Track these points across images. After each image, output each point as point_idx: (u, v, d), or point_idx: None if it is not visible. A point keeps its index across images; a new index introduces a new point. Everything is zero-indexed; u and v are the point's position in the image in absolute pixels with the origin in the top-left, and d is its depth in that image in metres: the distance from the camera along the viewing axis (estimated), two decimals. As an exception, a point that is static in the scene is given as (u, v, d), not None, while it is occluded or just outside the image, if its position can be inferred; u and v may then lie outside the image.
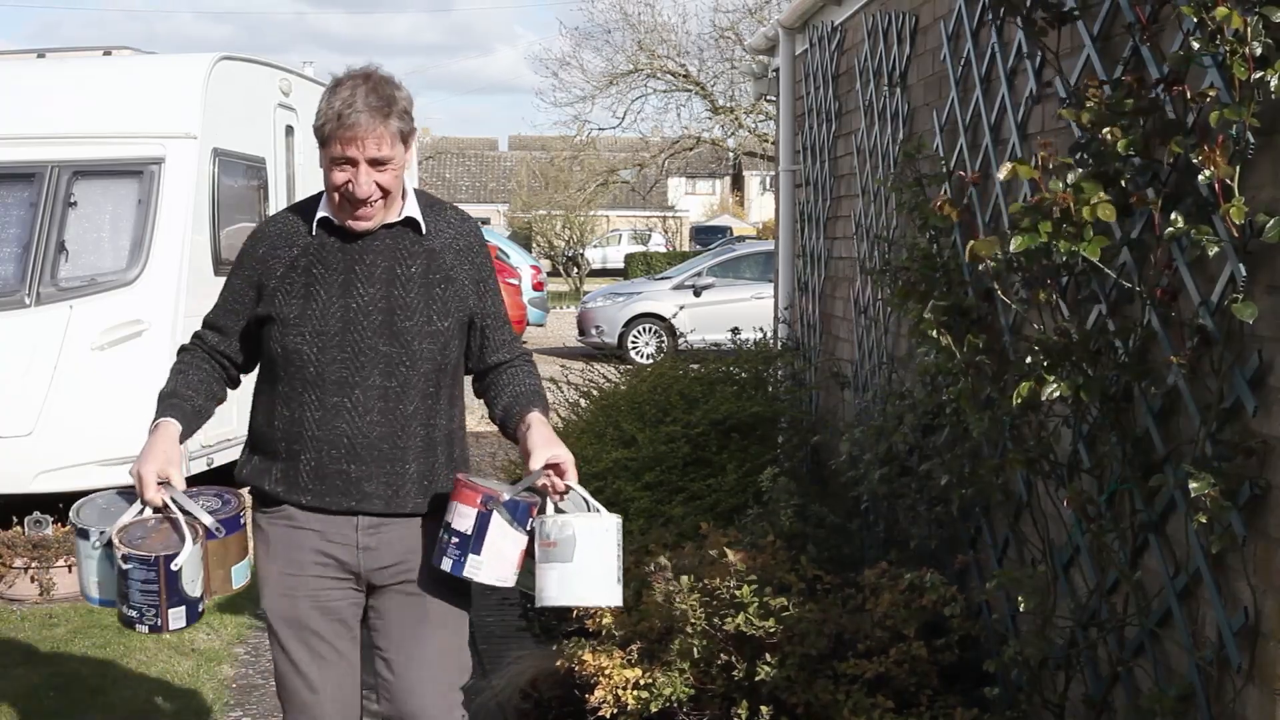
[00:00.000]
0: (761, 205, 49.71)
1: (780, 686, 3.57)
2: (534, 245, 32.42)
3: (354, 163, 2.72)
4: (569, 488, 2.75)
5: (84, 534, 2.75)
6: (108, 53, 8.78)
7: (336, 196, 2.78)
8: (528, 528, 2.71)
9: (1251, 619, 2.58)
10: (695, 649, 3.67)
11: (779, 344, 7.36)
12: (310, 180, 8.97)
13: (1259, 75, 2.43)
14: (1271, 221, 2.40)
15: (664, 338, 17.51)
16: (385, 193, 2.77)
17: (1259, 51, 2.43)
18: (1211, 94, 2.58)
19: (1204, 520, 2.56)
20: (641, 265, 35.59)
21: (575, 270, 31.43)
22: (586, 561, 2.66)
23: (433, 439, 2.89)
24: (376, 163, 2.73)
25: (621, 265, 38.72)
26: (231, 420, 7.52)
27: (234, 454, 7.79)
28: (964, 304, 3.51)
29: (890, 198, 4.97)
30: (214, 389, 2.98)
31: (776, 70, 7.82)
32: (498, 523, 2.69)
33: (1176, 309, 2.85)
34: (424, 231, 2.88)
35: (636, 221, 45.50)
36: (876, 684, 3.56)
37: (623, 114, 27.86)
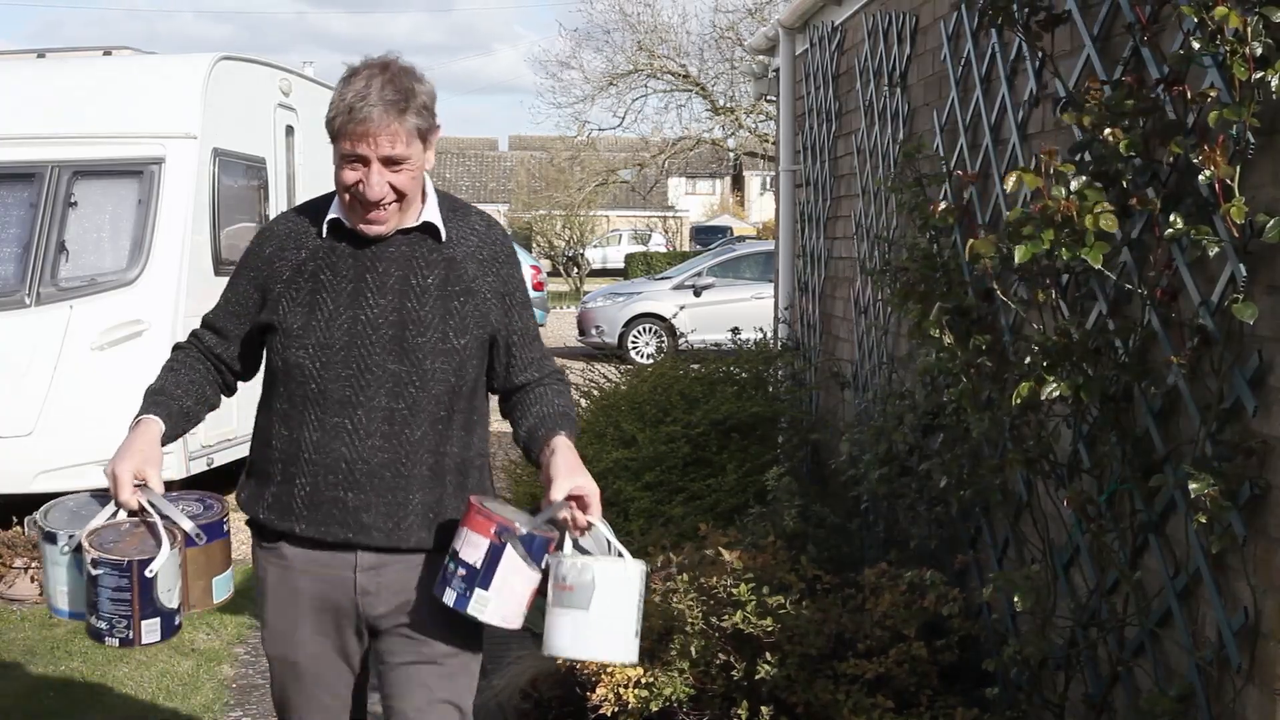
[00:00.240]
0: (761, 205, 49.72)
1: (780, 686, 3.58)
2: (534, 245, 32.41)
3: (365, 161, 2.47)
4: (591, 524, 2.47)
5: (51, 538, 2.48)
6: (108, 53, 8.79)
7: (347, 197, 2.53)
8: (542, 565, 2.43)
9: (1251, 619, 2.58)
10: (694, 648, 3.67)
11: (779, 344, 7.37)
12: (310, 181, 8.98)
13: (1259, 75, 2.43)
14: (1271, 221, 2.40)
15: (664, 338, 17.51)
16: (400, 195, 2.51)
17: (1259, 51, 2.43)
18: (1212, 94, 2.58)
19: (1204, 520, 2.56)
20: (641, 265, 35.59)
21: (575, 270, 31.43)
22: (604, 612, 2.39)
23: (441, 468, 2.61)
24: (390, 162, 2.47)
25: (621, 265, 38.71)
26: (232, 420, 7.53)
27: (234, 454, 7.86)
28: (964, 304, 3.51)
29: (890, 198, 4.97)
30: (206, 393, 2.73)
31: (776, 70, 7.82)
32: (511, 557, 2.41)
33: (1176, 309, 2.85)
34: (444, 239, 2.60)
35: (636, 221, 45.50)
36: (876, 684, 3.56)
37: (623, 114, 27.89)
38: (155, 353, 7.04)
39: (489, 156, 53.42)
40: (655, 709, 3.64)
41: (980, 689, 3.59)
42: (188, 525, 2.49)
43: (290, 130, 9.16)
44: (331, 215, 2.60)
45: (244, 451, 8.18)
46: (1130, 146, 2.72)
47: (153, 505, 2.46)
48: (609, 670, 3.71)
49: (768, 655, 3.61)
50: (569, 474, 2.47)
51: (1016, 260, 2.70)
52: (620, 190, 39.49)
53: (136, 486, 2.45)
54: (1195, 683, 2.77)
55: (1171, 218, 2.65)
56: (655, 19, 27.22)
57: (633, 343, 17.81)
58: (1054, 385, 2.83)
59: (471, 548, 2.43)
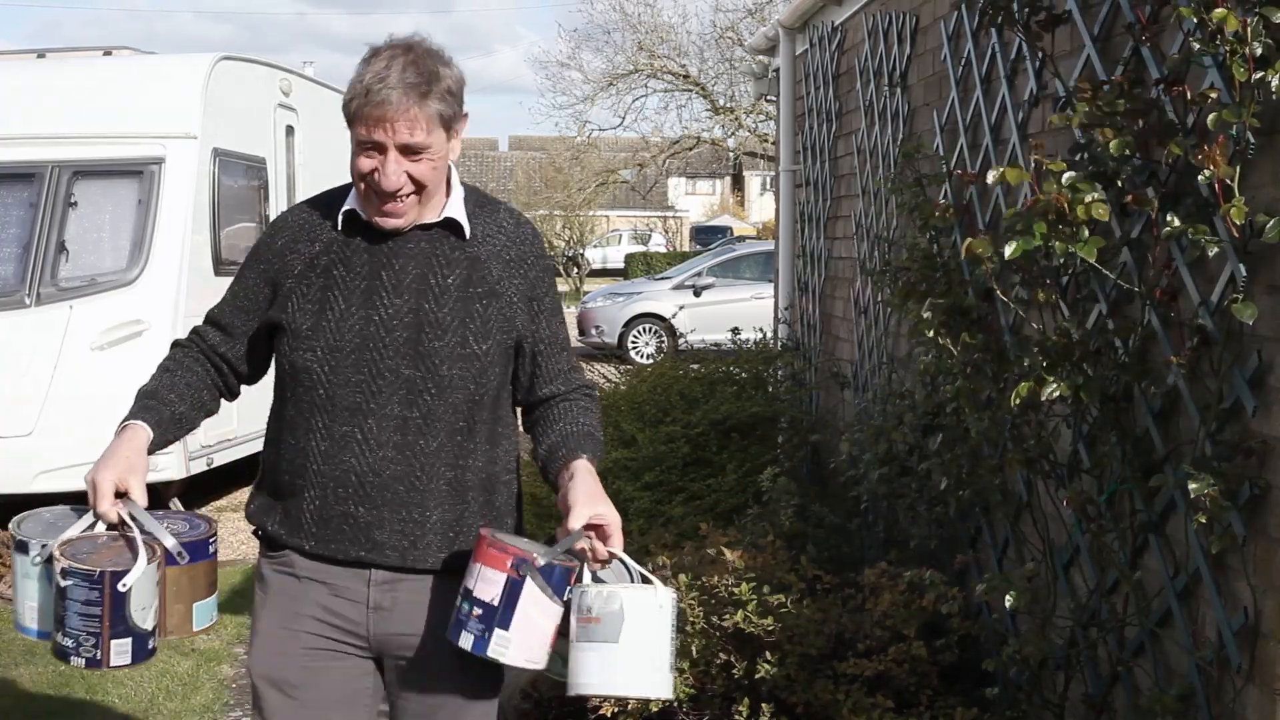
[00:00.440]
0: (761, 205, 49.72)
1: (780, 686, 3.58)
2: (534, 245, 32.29)
3: (382, 148, 2.28)
4: (612, 555, 2.27)
5: (23, 547, 2.27)
6: (108, 53, 8.79)
7: (363, 186, 2.35)
8: (564, 598, 2.22)
9: (1251, 619, 2.58)
10: (694, 648, 3.67)
11: (779, 344, 7.37)
12: (311, 181, 8.98)
13: (1259, 76, 2.43)
14: (1271, 222, 2.40)
15: (664, 338, 17.52)
16: (419, 186, 2.32)
17: (1259, 52, 2.43)
18: (1212, 95, 2.58)
19: (1204, 520, 2.56)
20: (641, 265, 35.59)
21: (575, 270, 31.42)
22: (635, 643, 2.17)
23: (463, 483, 2.41)
24: (409, 150, 2.28)
25: (621, 265, 38.71)
26: (232, 420, 7.54)
27: (234, 454, 7.87)
28: (964, 304, 3.51)
29: (890, 198, 4.97)
30: (202, 397, 2.52)
31: (776, 70, 7.82)
32: (531, 591, 2.19)
33: (1176, 309, 2.85)
34: (468, 236, 2.42)
35: (636, 221, 45.50)
36: (876, 683, 3.56)
37: (623, 114, 27.89)
38: (155, 353, 6.98)
39: (489, 156, 53.41)
40: (655, 709, 3.64)
41: (980, 689, 3.59)
42: (170, 542, 2.28)
43: (290, 130, 9.16)
44: (347, 206, 2.42)
45: (244, 452, 8.22)
46: (1123, 146, 2.72)
47: (134, 518, 2.27)
48: (609, 670, 3.70)
49: (768, 655, 3.61)
50: (589, 501, 2.27)
51: (1006, 255, 2.70)
52: (620, 190, 39.51)
53: (118, 497, 2.26)
54: (1195, 683, 2.77)
55: (1168, 217, 2.65)
56: (655, 19, 27.25)
57: (633, 343, 17.82)
58: (1054, 385, 2.83)
59: (486, 584, 2.20)
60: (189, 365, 2.53)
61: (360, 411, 2.36)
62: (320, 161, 9.23)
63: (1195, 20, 2.51)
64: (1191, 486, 2.52)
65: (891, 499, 4.48)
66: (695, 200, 52.28)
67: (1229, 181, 2.48)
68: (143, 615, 2.22)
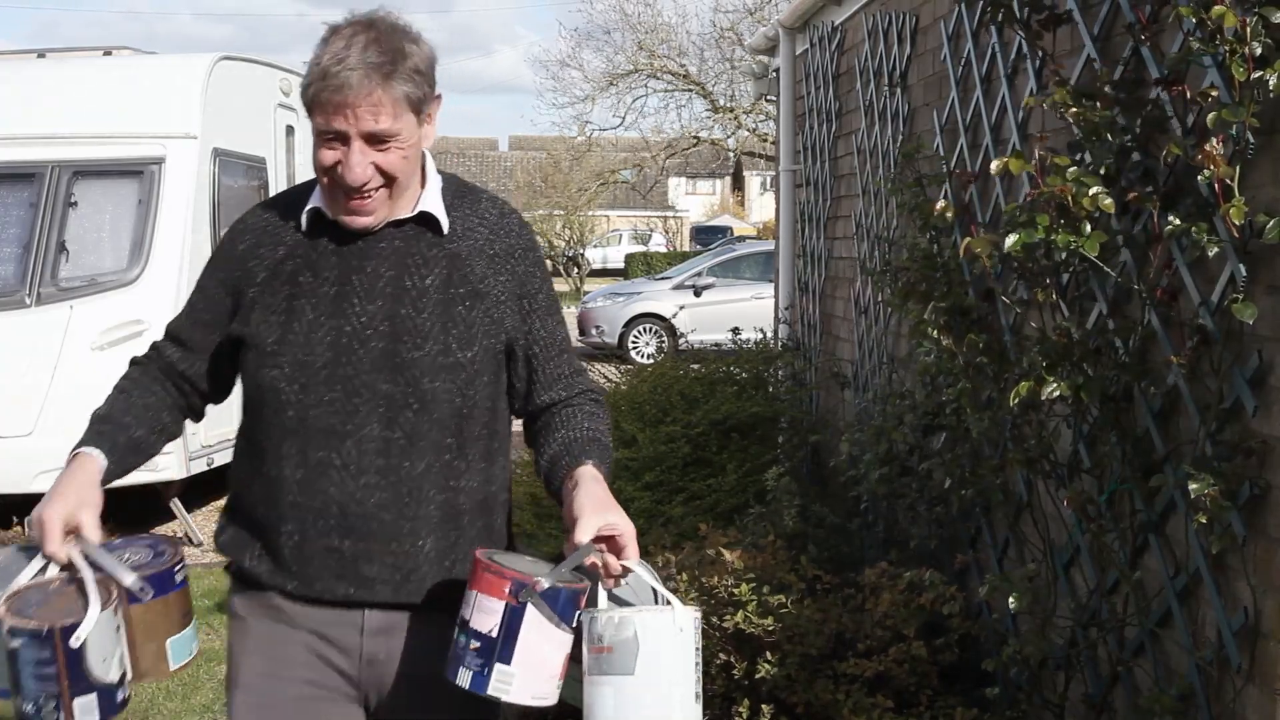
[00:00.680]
0: (761, 205, 49.73)
1: (780, 686, 3.58)
2: (534, 245, 32.33)
3: (344, 138, 2.05)
4: (627, 569, 2.03)
5: None
6: (108, 53, 8.79)
7: (326, 181, 2.12)
8: (573, 623, 1.98)
9: (1251, 619, 2.58)
10: (695, 649, 3.67)
11: (779, 344, 7.37)
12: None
13: (1258, 75, 2.43)
14: (1272, 222, 2.40)
15: (664, 338, 17.52)
16: (389, 179, 2.10)
17: (1258, 51, 2.43)
18: (1212, 94, 2.58)
19: (1204, 520, 2.56)
20: (642, 265, 35.60)
21: (575, 270, 31.43)
22: (653, 673, 1.95)
23: (456, 507, 2.18)
24: (375, 139, 2.05)
25: (622, 265, 38.72)
26: (234, 419, 7.53)
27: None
28: (964, 304, 3.51)
29: (890, 198, 4.97)
30: (162, 419, 2.28)
31: (776, 70, 7.82)
32: (534, 619, 1.95)
33: (1176, 309, 2.85)
34: (445, 230, 2.19)
35: (637, 221, 45.51)
36: (876, 683, 3.56)
37: (623, 114, 27.90)
38: (155, 353, 7.08)
39: (489, 156, 53.43)
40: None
41: (980, 689, 3.59)
42: (129, 580, 2.04)
43: (290, 130, 9.16)
44: (312, 204, 2.18)
45: (244, 451, 8.22)
46: (1106, 125, 2.72)
47: (87, 557, 2.03)
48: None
49: (768, 655, 3.61)
50: (597, 510, 2.01)
51: (1006, 248, 2.70)
52: (620, 190, 39.53)
53: (69, 535, 2.03)
54: (1195, 683, 2.77)
55: (1168, 216, 2.66)
56: (655, 19, 27.25)
57: (633, 343, 17.82)
58: (1054, 385, 2.83)
59: (484, 614, 1.97)
60: (146, 385, 2.30)
61: (337, 434, 2.12)
62: (320, 161, 9.21)
63: (1195, 20, 2.51)
64: (1191, 486, 2.52)
65: (891, 499, 4.48)
66: (695, 200, 52.29)
67: (1229, 181, 2.48)
68: (105, 667, 1.98)
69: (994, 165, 2.86)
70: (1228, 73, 2.46)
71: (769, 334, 7.49)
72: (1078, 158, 2.87)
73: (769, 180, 41.91)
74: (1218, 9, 2.42)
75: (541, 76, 72.48)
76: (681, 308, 17.58)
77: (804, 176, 7.03)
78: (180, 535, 7.52)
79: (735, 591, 3.73)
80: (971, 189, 4.08)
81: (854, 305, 5.79)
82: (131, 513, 6.69)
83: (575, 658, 2.01)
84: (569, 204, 32.10)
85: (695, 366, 7.03)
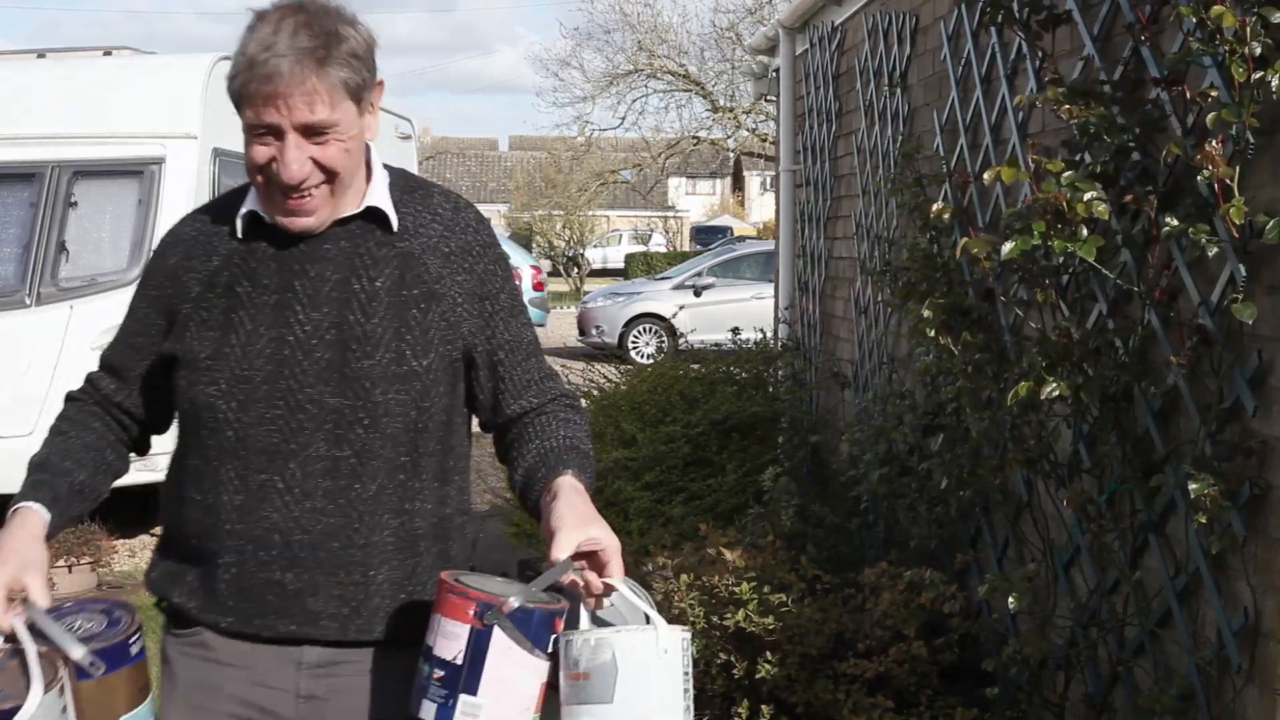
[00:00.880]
0: (761, 205, 49.74)
1: (780, 686, 3.58)
2: (534, 245, 32.44)
3: (277, 132, 1.87)
4: (610, 588, 1.84)
5: None
6: (108, 53, 8.79)
7: (261, 180, 1.93)
8: (549, 648, 1.79)
9: (1251, 619, 2.58)
10: (695, 648, 3.68)
11: (779, 344, 7.38)
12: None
13: (1258, 75, 2.43)
14: (1272, 222, 2.40)
15: (664, 338, 17.52)
16: (330, 175, 1.91)
17: (1258, 51, 2.43)
18: (1212, 94, 2.58)
19: (1204, 520, 2.56)
20: (642, 265, 35.61)
21: (575, 270, 31.45)
22: (634, 700, 1.75)
23: (412, 533, 1.99)
24: (311, 131, 1.87)
25: (622, 265, 38.74)
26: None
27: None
28: (964, 304, 3.51)
29: (890, 198, 4.97)
30: (106, 458, 2.09)
31: (776, 70, 7.82)
32: (502, 644, 1.77)
33: (1176, 309, 2.85)
34: (395, 227, 2.00)
35: (637, 221, 45.55)
36: (876, 683, 3.56)
37: (623, 114, 27.93)
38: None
39: (489, 156, 53.46)
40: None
41: (980, 689, 3.59)
42: (78, 653, 1.84)
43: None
44: (247, 208, 1.99)
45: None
46: (1105, 124, 2.72)
47: (33, 627, 1.83)
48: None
49: (768, 654, 3.61)
50: (578, 523, 1.82)
51: (1003, 254, 2.70)
52: (620, 190, 39.54)
53: (13, 602, 1.84)
54: (1195, 683, 2.77)
55: (1167, 217, 2.66)
56: (655, 19, 27.28)
57: (633, 343, 17.82)
58: (1054, 385, 2.83)
59: (447, 640, 1.78)
60: (84, 423, 2.11)
61: (279, 454, 1.93)
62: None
63: (1195, 20, 2.51)
64: (1191, 486, 2.52)
65: (891, 499, 4.48)
66: (695, 200, 52.32)
67: (1229, 181, 2.48)
68: None
69: (987, 175, 2.86)
70: (1227, 73, 2.47)
71: (769, 334, 7.49)
72: (1075, 159, 2.87)
73: (769, 180, 41.93)
74: (1217, 9, 2.42)
75: (542, 76, 72.49)
76: (681, 308, 17.58)
77: (804, 176, 7.03)
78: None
79: (736, 591, 3.73)
80: (971, 189, 4.08)
81: (854, 305, 5.80)
82: (131, 515, 6.69)
83: (554, 685, 1.81)
84: (569, 204, 32.13)
85: (695, 366, 7.03)
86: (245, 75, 1.87)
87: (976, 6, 3.84)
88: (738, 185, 55.25)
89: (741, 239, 32.08)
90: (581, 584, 1.82)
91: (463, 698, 1.77)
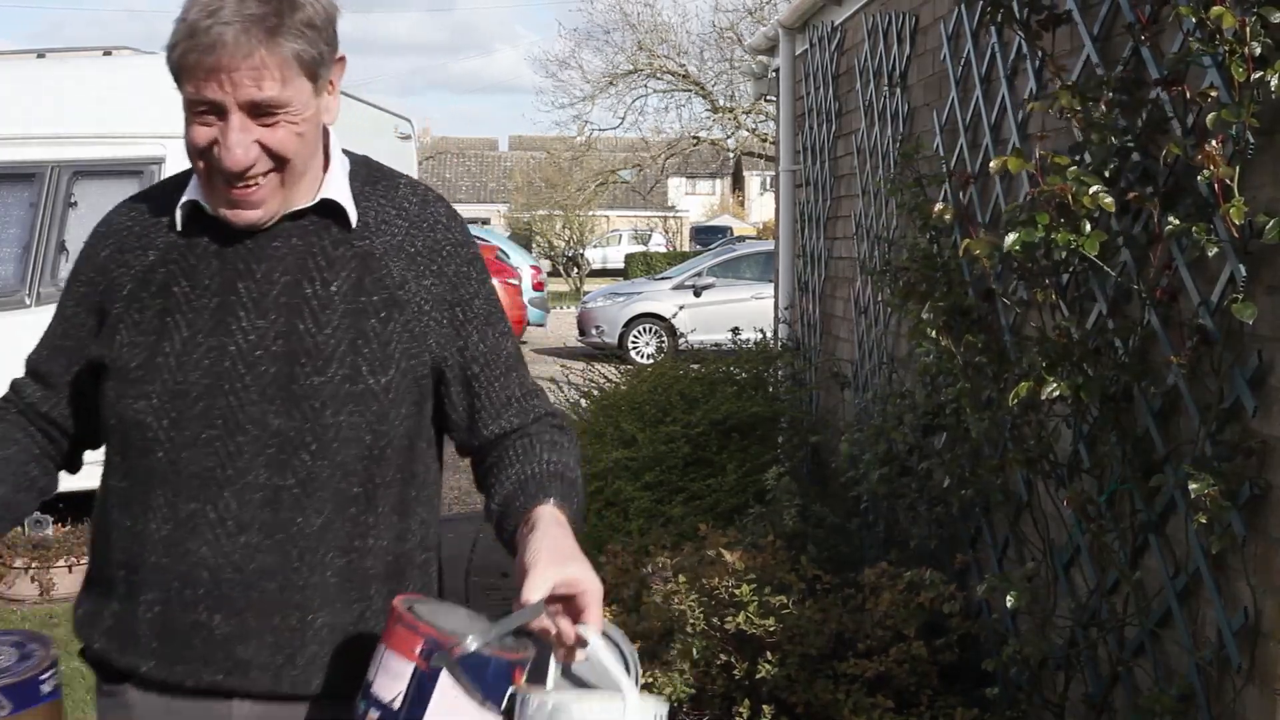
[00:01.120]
0: (761, 205, 49.76)
1: (781, 686, 3.58)
2: (534, 245, 32.47)
3: (220, 110, 1.63)
4: (582, 639, 1.56)
5: None
6: (108, 53, 8.79)
7: (201, 165, 1.70)
8: (503, 703, 1.53)
9: (1251, 619, 2.58)
10: (695, 649, 3.67)
11: (779, 344, 7.38)
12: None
13: (1258, 75, 2.43)
14: (1271, 222, 2.40)
15: (664, 338, 17.53)
16: (280, 161, 1.68)
17: (1258, 51, 2.43)
18: (1212, 94, 2.58)
19: (1204, 520, 2.56)
20: (641, 265, 35.63)
21: (575, 270, 31.46)
22: None
23: (362, 573, 1.75)
24: (258, 110, 1.63)
25: (621, 265, 38.75)
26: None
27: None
28: (964, 304, 3.51)
29: (890, 198, 4.97)
30: (29, 472, 1.86)
31: (776, 70, 7.82)
32: (448, 691, 1.51)
33: (1176, 309, 2.85)
34: (354, 224, 1.77)
35: (637, 221, 45.57)
36: (877, 683, 3.56)
37: (623, 114, 27.94)
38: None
39: (489, 156, 53.47)
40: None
41: (980, 689, 3.59)
42: None
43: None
44: (188, 196, 1.76)
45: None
46: (1107, 125, 2.72)
47: None
48: (609, 670, 3.70)
49: (768, 655, 3.62)
50: (555, 561, 1.56)
51: (1005, 247, 2.70)
52: (620, 190, 39.57)
53: None
54: (1195, 683, 2.77)
55: (1168, 216, 2.66)
56: (655, 19, 27.31)
57: (633, 343, 17.82)
58: (1054, 385, 2.83)
59: (389, 677, 1.54)
60: (5, 434, 1.88)
61: (213, 481, 1.70)
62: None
63: (1194, 20, 2.51)
64: (1191, 486, 2.52)
65: (891, 499, 4.48)
66: (695, 200, 52.34)
67: (1229, 181, 2.48)
68: None
69: (993, 164, 2.86)
70: (1227, 73, 2.47)
71: (769, 334, 7.49)
72: (1078, 158, 2.87)
73: (769, 180, 41.95)
74: (1217, 9, 2.42)
75: (541, 76, 72.51)
76: (681, 308, 17.58)
77: (804, 176, 7.03)
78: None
79: (736, 592, 3.73)
80: (971, 189, 4.08)
81: (854, 305, 5.80)
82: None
83: None
84: (569, 204, 32.14)
85: (695, 366, 7.03)
86: (185, 44, 1.62)
87: (976, 6, 3.85)
88: (738, 185, 55.27)
89: (741, 239, 32.09)
90: (554, 631, 1.56)
91: None
